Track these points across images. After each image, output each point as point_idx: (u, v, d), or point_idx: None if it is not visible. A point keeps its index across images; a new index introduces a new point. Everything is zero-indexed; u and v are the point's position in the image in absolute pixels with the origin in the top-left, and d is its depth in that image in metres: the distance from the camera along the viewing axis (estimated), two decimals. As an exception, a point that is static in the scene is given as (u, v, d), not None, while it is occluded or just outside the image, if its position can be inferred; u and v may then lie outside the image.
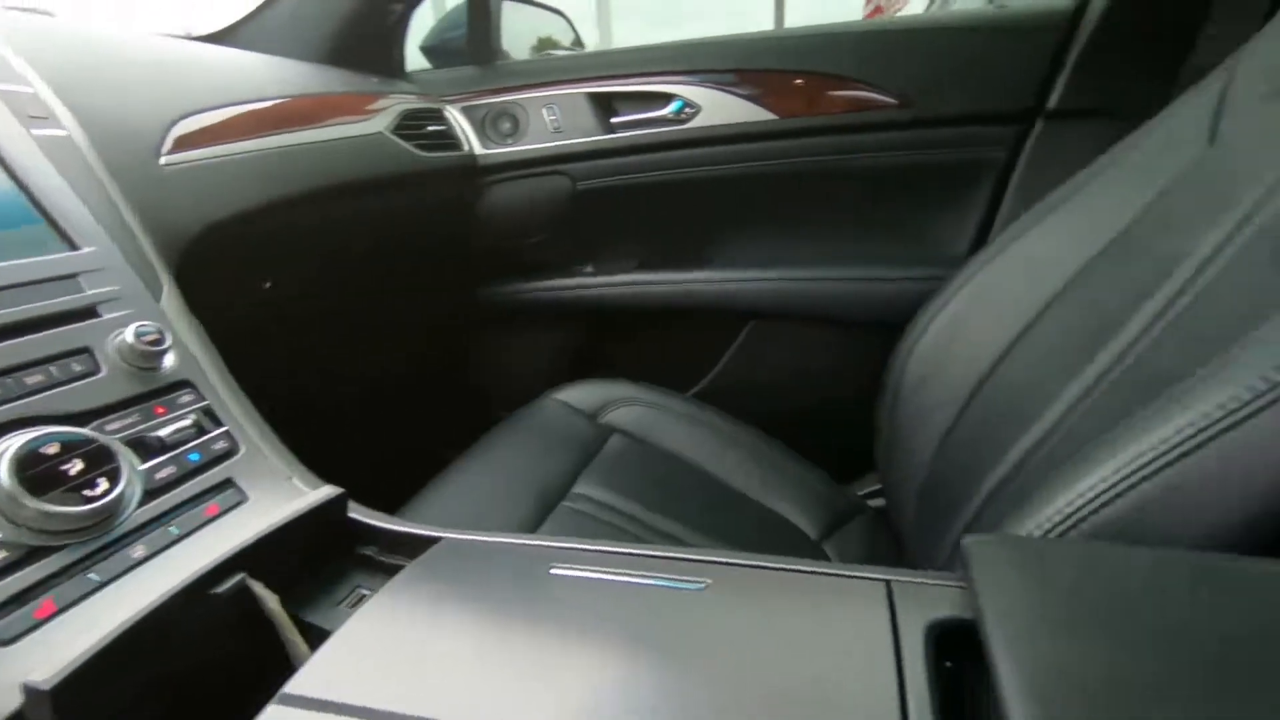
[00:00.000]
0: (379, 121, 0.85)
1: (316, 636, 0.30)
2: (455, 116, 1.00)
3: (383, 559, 0.35)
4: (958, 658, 0.25)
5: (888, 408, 0.77)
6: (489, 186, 1.02)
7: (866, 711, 0.22)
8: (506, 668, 0.25)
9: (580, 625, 0.27)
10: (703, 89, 0.97)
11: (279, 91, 0.75)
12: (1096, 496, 0.32)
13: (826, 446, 0.90)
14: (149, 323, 0.38)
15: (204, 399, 0.39)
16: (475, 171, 1.01)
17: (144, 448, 0.35)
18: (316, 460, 0.41)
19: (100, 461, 0.33)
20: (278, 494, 0.36)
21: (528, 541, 0.32)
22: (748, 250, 1.03)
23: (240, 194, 0.64)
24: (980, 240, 0.93)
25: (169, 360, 0.39)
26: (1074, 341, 0.57)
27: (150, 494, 0.34)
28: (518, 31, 1.34)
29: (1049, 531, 0.32)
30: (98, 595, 0.29)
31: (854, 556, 0.77)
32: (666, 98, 0.97)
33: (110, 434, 0.34)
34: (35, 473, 0.30)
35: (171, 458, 0.35)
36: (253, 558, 0.32)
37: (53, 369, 0.34)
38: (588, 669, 0.25)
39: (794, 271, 0.97)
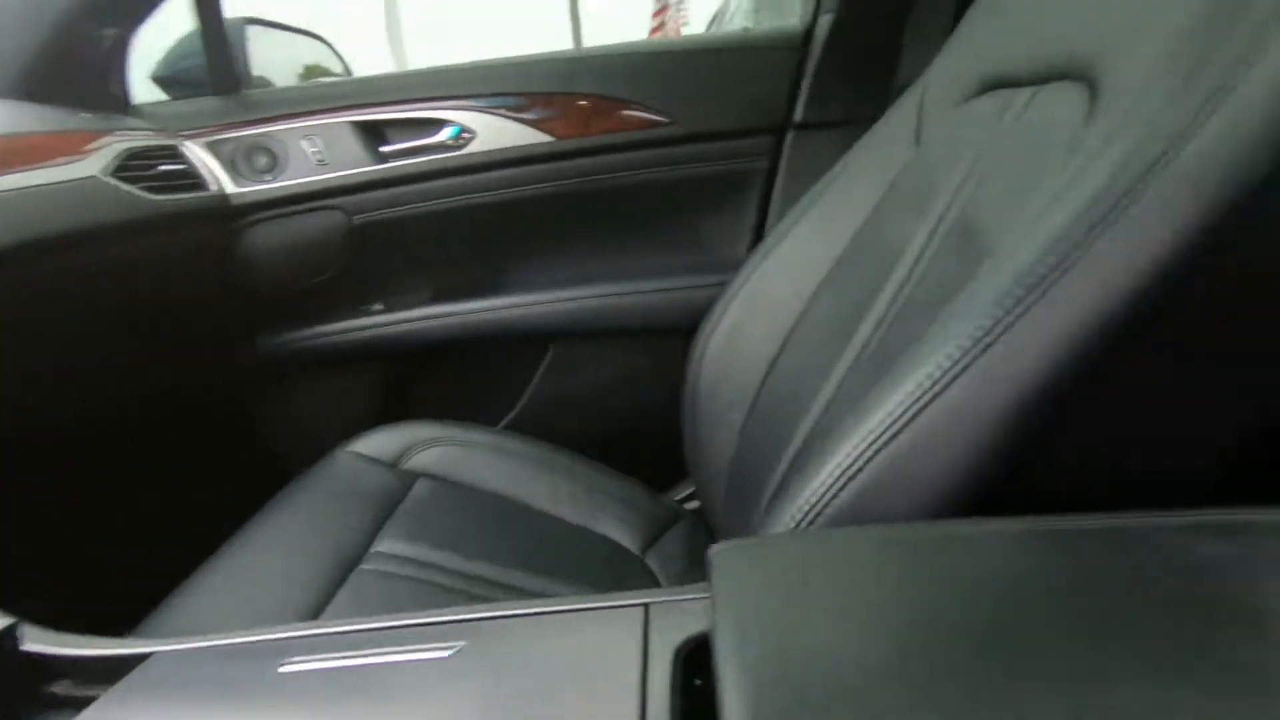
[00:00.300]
0: (92, 163, 0.73)
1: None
2: (196, 153, 0.89)
3: (77, 693, 0.29)
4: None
5: (689, 412, 0.79)
6: (248, 228, 0.93)
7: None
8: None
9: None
10: (477, 114, 0.95)
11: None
12: (834, 483, 0.34)
13: (642, 457, 0.91)
14: None
15: None
16: (229, 213, 0.91)
17: None
18: (51, 570, 0.33)
19: None
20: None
21: (256, 639, 0.28)
22: (543, 273, 1.02)
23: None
24: (756, 243, 0.99)
25: None
26: (832, 333, 0.62)
27: None
28: (278, 59, 1.24)
29: (800, 522, 0.34)
30: None
31: (677, 562, 0.78)
32: (438, 124, 0.94)
33: None
34: None
35: None
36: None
37: None
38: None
39: (589, 290, 0.98)
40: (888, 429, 0.34)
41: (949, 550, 0.26)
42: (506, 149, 0.94)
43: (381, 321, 0.99)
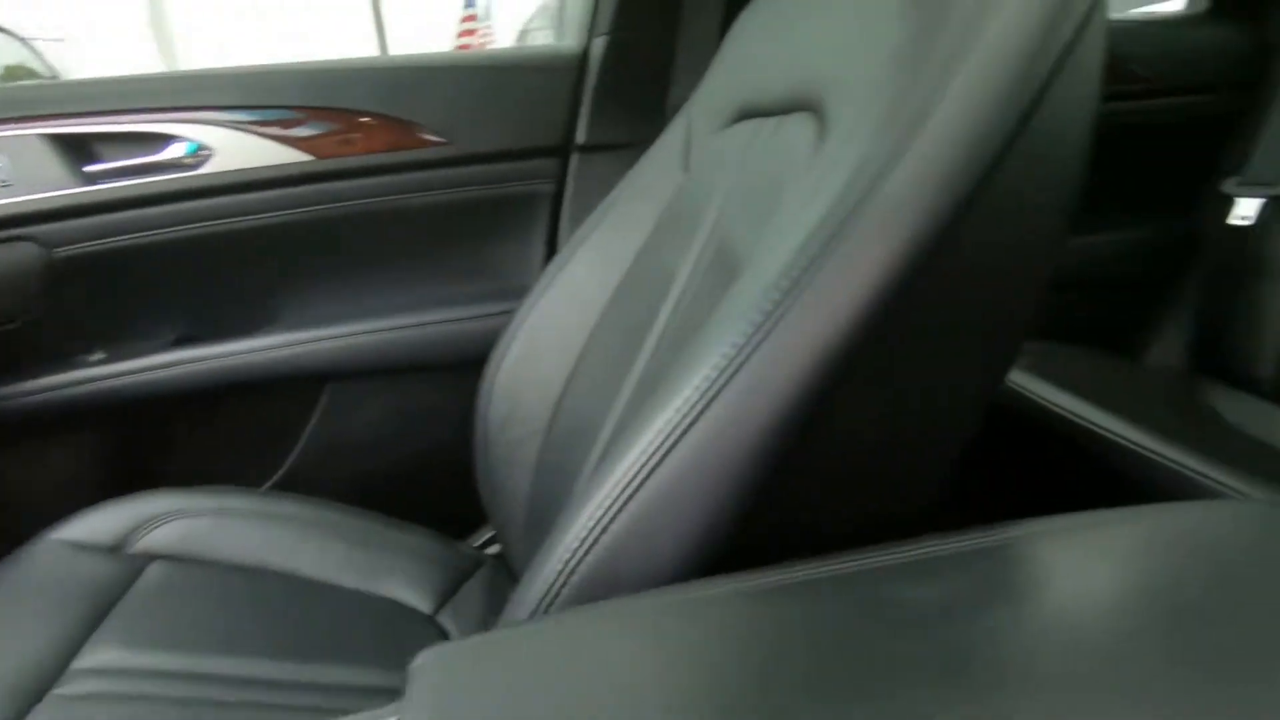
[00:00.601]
0: None
1: None
2: None
3: None
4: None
5: (481, 449, 0.74)
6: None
7: None
8: None
9: None
10: (217, 129, 0.83)
11: None
12: (579, 546, 0.31)
13: (435, 503, 0.84)
14: None
15: None
16: None
17: None
18: None
19: None
20: None
21: None
22: (313, 307, 0.91)
23: None
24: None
25: None
26: (616, 362, 0.60)
27: None
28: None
29: (543, 600, 0.31)
30: None
31: (474, 617, 0.72)
32: (163, 139, 0.81)
33: None
34: None
35: None
36: None
37: None
38: None
39: (367, 324, 0.89)
40: (629, 484, 0.32)
41: (675, 621, 0.24)
42: (254, 169, 0.83)
43: (102, 374, 0.83)
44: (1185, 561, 0.27)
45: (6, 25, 1.16)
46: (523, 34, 2.53)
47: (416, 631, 0.67)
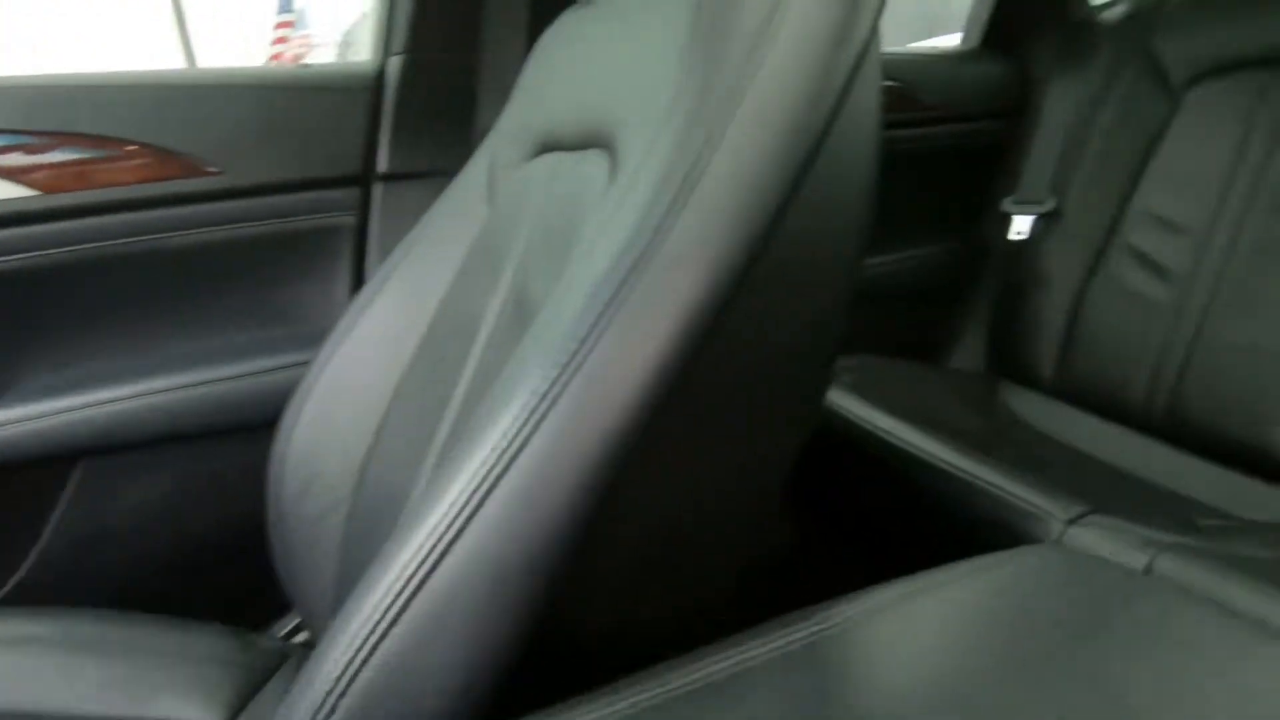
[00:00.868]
0: None
1: None
2: None
3: None
4: None
5: (277, 523, 0.64)
6: None
7: None
8: None
9: None
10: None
11: None
12: (350, 662, 0.26)
13: (228, 592, 0.72)
14: None
15: None
16: None
17: None
18: None
19: None
20: None
21: None
22: (56, 372, 0.76)
23: None
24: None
25: None
26: (424, 419, 0.54)
27: None
28: None
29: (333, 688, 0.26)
30: None
31: (278, 724, 0.62)
32: None
33: None
34: None
35: None
36: None
37: None
38: None
39: (132, 387, 0.75)
40: (414, 575, 0.28)
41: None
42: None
43: None
44: (1002, 630, 0.27)
45: None
46: (344, 44, 2.36)
47: (200, 758, 0.56)
